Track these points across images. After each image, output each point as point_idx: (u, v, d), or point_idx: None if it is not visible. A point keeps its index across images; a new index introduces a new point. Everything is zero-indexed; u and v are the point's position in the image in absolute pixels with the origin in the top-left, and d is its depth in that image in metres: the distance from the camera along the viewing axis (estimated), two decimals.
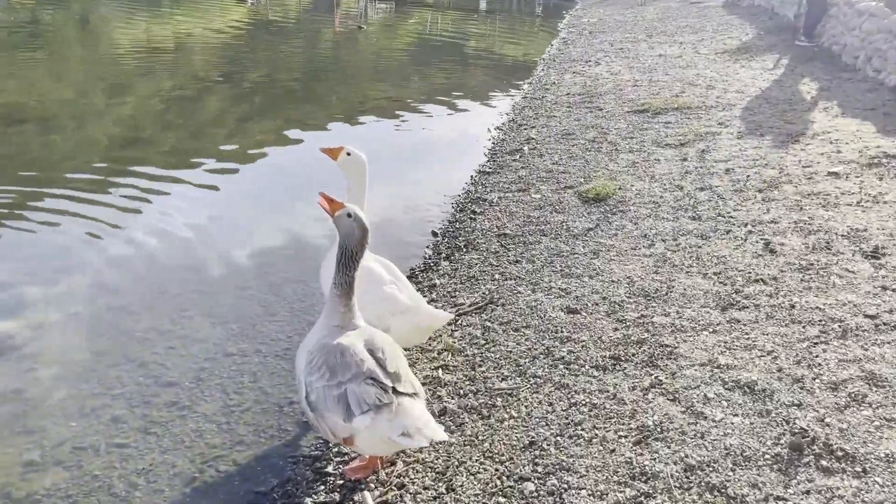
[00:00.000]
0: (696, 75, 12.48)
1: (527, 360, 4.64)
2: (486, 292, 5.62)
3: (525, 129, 10.33)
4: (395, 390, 3.18)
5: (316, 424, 3.37)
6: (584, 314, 5.15)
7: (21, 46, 17.80)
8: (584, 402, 4.15)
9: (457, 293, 5.69)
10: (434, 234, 7.17)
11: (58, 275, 6.33)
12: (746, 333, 4.71)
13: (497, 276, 5.87)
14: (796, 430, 3.73)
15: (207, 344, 5.23)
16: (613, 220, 6.75)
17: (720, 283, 5.41)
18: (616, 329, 4.92)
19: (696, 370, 4.35)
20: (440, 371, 4.62)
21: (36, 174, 8.71)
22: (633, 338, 4.77)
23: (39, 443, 4.19)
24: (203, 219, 7.51)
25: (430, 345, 4.96)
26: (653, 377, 4.32)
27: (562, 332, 4.93)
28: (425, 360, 4.79)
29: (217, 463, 4.02)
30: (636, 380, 4.32)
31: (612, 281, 5.60)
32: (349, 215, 3.49)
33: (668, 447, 3.71)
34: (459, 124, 11.53)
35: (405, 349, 4.88)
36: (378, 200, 8.00)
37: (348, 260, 3.49)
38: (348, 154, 4.56)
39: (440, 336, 5.05)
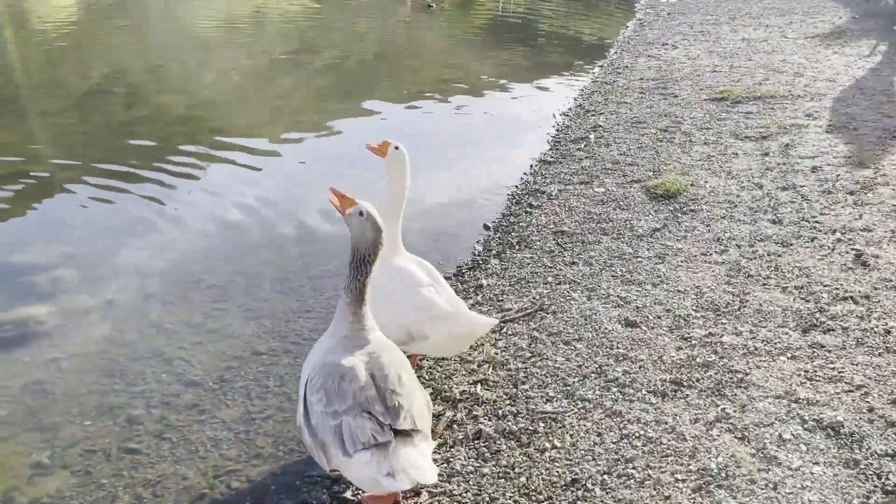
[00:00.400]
0: (782, 61, 11.58)
1: (576, 379, 4.17)
2: (537, 297, 5.15)
3: (592, 115, 9.73)
4: (391, 427, 2.83)
5: (309, 444, 3.04)
6: (644, 328, 4.63)
7: (108, 20, 18.27)
8: (637, 435, 3.66)
9: (504, 296, 5.23)
10: (486, 227, 6.72)
11: (98, 257, 6.18)
12: (831, 362, 4.12)
13: (550, 280, 5.39)
14: (890, 488, 3.17)
15: (237, 341, 4.93)
16: (683, 221, 6.16)
17: (802, 299, 4.80)
18: (679, 348, 4.39)
19: (770, 404, 3.80)
20: (479, 387, 4.19)
21: (103, 150, 8.75)
22: (698, 360, 4.24)
23: (51, 443, 3.96)
24: (255, 201, 7.28)
25: (470, 355, 4.53)
26: (719, 409, 3.79)
27: (617, 348, 4.44)
28: (464, 373, 4.37)
29: (230, 478, 3.71)
30: (699, 411, 3.80)
31: (678, 291, 5.05)
32: (361, 213, 3.16)
33: (734, 498, 3.20)
34: (523, 108, 10.98)
35: (443, 359, 4.49)
36: (431, 188, 7.62)
37: (360, 263, 3.17)
38: (396, 148, 4.15)
39: (482, 345, 4.62)
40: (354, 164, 8.41)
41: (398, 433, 2.83)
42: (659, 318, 4.74)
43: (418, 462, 2.75)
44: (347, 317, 3.18)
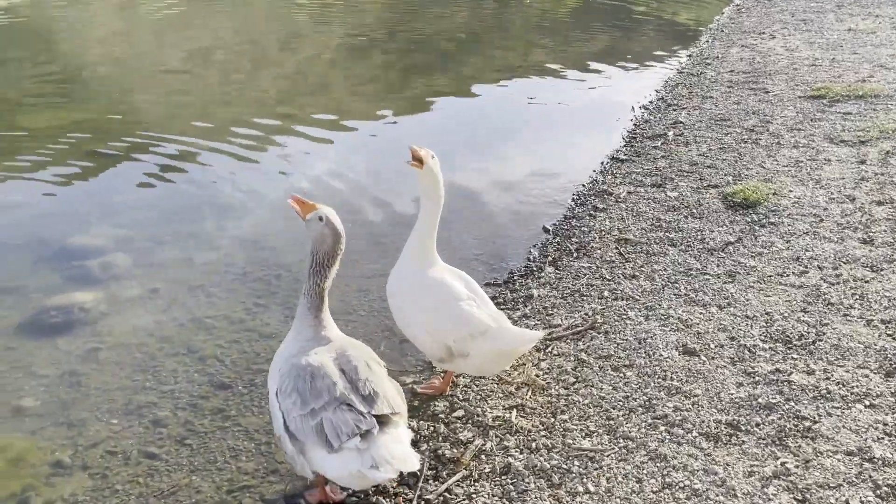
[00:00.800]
0: (891, 56, 10.62)
1: (621, 412, 3.82)
2: (590, 314, 4.79)
3: (674, 109, 9.16)
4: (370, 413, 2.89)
5: (290, 451, 3.02)
6: (704, 358, 4.22)
7: None
8: (681, 485, 3.30)
9: (555, 310, 4.90)
10: (545, 230, 6.36)
11: (153, 243, 6.19)
12: None
13: (606, 294, 5.02)
14: None
15: (273, 341, 4.78)
16: (760, 234, 5.65)
17: (889, 335, 4.29)
18: (740, 384, 3.97)
19: (839, 461, 3.37)
20: (514, 413, 3.90)
21: (180, 129, 8.88)
22: (760, 400, 3.82)
23: (76, 440, 3.91)
24: (329, 187, 7.23)
25: (509, 375, 4.24)
26: (778, 462, 3.39)
27: (671, 378, 4.05)
28: (500, 395, 4.08)
29: (242, 495, 3.56)
30: (755, 462, 3.40)
31: (746, 316, 4.60)
32: (321, 219, 3.24)
33: None
34: (601, 99, 10.46)
35: (480, 377, 4.21)
36: (492, 183, 7.34)
37: (319, 268, 3.26)
38: (433, 157, 3.83)
39: (524, 364, 4.32)
40: (441, 145, 8.36)
41: (378, 420, 2.85)
42: (721, 346, 4.32)
43: (400, 451, 2.80)
44: (308, 321, 3.25)
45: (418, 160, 3.71)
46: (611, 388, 4.03)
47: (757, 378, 4.01)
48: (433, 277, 3.91)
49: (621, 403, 3.89)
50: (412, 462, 2.77)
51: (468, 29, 15.77)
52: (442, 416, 3.95)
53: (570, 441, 3.64)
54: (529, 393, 4.06)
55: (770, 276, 5.05)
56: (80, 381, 4.41)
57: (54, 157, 8.05)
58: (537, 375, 4.20)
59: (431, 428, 3.85)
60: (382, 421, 2.87)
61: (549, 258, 5.71)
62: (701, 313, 4.68)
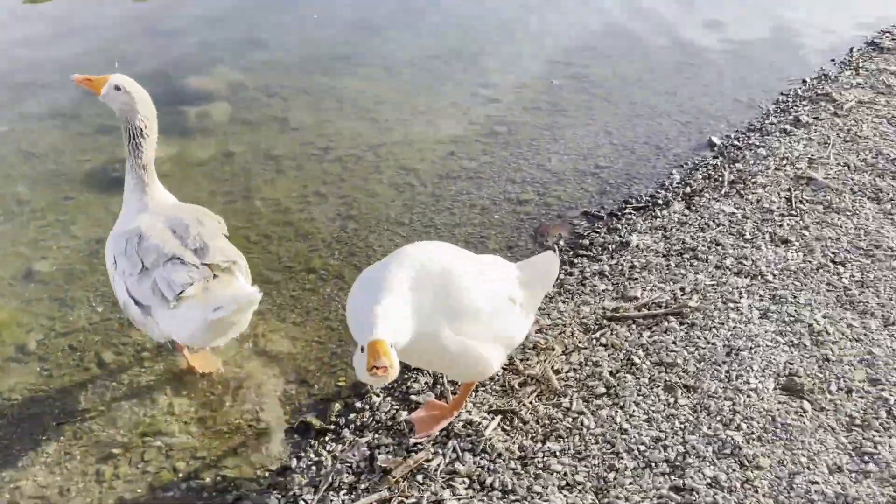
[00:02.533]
0: None
1: (633, 464, 2.63)
2: (687, 290, 3.43)
3: None
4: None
5: (139, 318, 2.96)
6: (809, 405, 2.80)
7: None
8: None
9: (644, 274, 3.58)
10: (711, 145, 4.79)
11: (279, 98, 5.68)
12: None
13: (728, 263, 3.55)
14: None
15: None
16: None
17: None
18: (838, 468, 2.55)
19: None
20: (495, 422, 2.85)
21: None
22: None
23: (52, 325, 3.63)
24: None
25: (528, 358, 3.16)
26: None
27: (739, 426, 2.72)
28: (496, 388, 3.05)
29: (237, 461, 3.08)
30: None
31: None
32: (117, 88, 3.03)
33: None
34: None
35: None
36: (686, 53, 5.70)
37: (135, 140, 3.06)
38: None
39: (552, 349, 3.19)
40: None
41: (214, 273, 2.82)
42: (848, 392, 2.82)
43: (239, 288, 2.80)
44: (136, 197, 3.13)
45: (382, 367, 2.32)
46: (645, 418, 2.81)
47: (870, 466, 2.53)
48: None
49: (642, 448, 2.68)
50: (253, 294, 2.71)
51: None
52: (413, 395, 3.07)
53: (539, 489, 2.59)
54: (533, 395, 2.99)
55: None
56: (98, 253, 4.12)
57: None
58: (557, 371, 3.08)
59: (394, 410, 3.01)
60: (220, 272, 2.85)
61: (688, 188, 4.24)
62: (852, 325, 3.10)
